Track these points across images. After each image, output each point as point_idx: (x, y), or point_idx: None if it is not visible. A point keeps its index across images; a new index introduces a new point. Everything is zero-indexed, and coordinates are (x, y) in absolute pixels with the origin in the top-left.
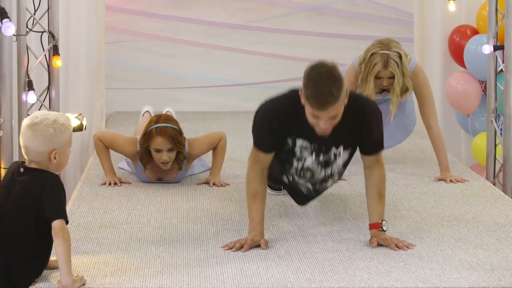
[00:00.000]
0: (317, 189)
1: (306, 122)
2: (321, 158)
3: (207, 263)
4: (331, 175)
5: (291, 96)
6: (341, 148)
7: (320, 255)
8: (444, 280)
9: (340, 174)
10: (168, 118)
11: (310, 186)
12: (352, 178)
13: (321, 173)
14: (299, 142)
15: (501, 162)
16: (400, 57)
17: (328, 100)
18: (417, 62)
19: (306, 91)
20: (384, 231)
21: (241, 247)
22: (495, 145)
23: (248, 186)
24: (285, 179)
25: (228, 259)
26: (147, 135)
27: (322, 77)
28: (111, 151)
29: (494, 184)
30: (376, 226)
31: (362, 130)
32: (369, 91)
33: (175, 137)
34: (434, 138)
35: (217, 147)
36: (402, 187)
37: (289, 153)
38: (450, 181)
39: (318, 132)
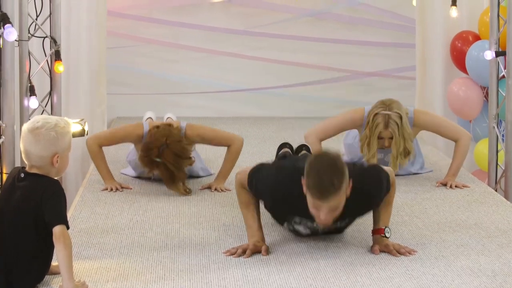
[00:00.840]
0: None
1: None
2: (320, 232)
3: (209, 269)
4: (335, 232)
5: (297, 180)
6: (345, 221)
7: (322, 261)
8: (446, 286)
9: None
10: (171, 144)
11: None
12: None
13: (321, 235)
14: (298, 219)
15: (503, 168)
16: (401, 118)
17: (329, 190)
18: (414, 109)
19: (308, 180)
20: (387, 238)
21: (243, 253)
22: (497, 151)
23: (239, 198)
24: (285, 225)
25: (230, 265)
26: (149, 162)
27: (324, 167)
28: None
29: (496, 190)
30: (379, 232)
31: (371, 208)
32: (372, 151)
33: (176, 166)
34: (460, 146)
35: (230, 150)
36: (404, 193)
37: (292, 230)
38: (451, 186)
39: (318, 224)
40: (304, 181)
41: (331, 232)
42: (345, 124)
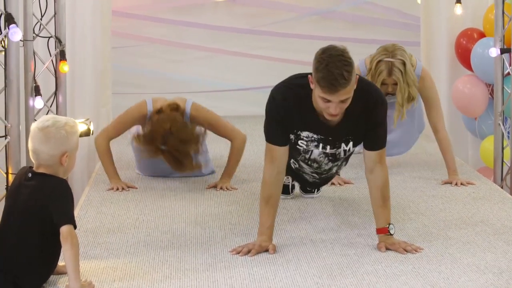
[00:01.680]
0: (323, 177)
1: (315, 114)
2: (328, 150)
3: (215, 268)
4: (337, 166)
5: (303, 84)
6: (347, 140)
7: (328, 259)
8: (452, 283)
9: (345, 163)
10: (176, 131)
11: (316, 175)
12: (360, 182)
13: (327, 165)
14: (305, 134)
15: (509, 165)
16: (404, 64)
17: (340, 82)
18: (424, 66)
19: (317, 74)
20: (392, 234)
21: (248, 252)
22: (503, 148)
23: (263, 190)
24: (292, 164)
25: (236, 264)
26: (154, 151)
27: (333, 60)
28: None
29: (502, 187)
30: (383, 231)
31: (370, 121)
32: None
33: (182, 153)
34: (441, 141)
35: (233, 148)
36: (409, 190)
37: (295, 145)
38: (456, 184)
39: (327, 117)
40: (311, 78)
41: (334, 165)
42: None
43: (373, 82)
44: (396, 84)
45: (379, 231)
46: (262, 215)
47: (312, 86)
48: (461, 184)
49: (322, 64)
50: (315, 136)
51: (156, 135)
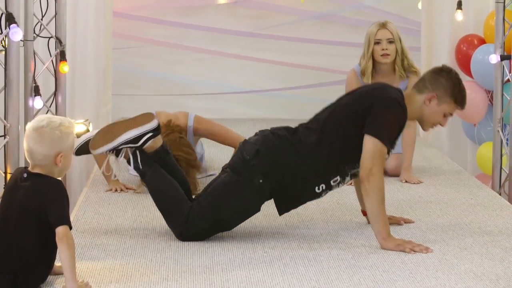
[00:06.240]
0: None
1: None
2: None
3: (212, 270)
4: None
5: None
6: None
7: (325, 263)
8: None
9: None
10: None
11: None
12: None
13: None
14: None
15: (507, 172)
16: (397, 31)
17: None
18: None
19: (454, 94)
20: None
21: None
22: (501, 155)
23: (382, 193)
24: (317, 189)
25: (233, 266)
26: None
27: (459, 79)
28: None
29: (500, 194)
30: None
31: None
32: (367, 56)
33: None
34: (408, 136)
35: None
36: (407, 196)
37: None
38: (401, 180)
39: (426, 130)
40: (431, 95)
41: None
42: None
43: (368, 46)
44: (390, 41)
45: (365, 212)
46: (385, 215)
47: (428, 103)
48: (405, 180)
49: (459, 84)
50: None
51: None
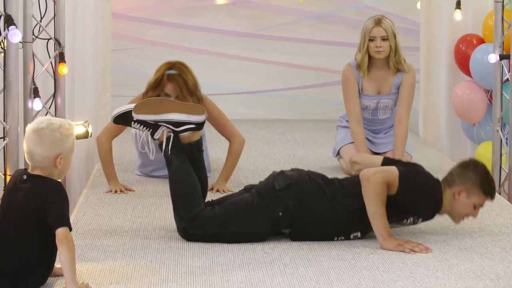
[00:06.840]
0: None
1: None
2: None
3: (212, 271)
4: None
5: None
6: None
7: (325, 263)
8: None
9: None
10: (181, 68)
11: None
12: None
13: None
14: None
15: (507, 171)
16: (392, 28)
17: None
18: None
19: (484, 187)
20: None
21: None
22: (501, 155)
23: (382, 198)
24: (335, 239)
25: (233, 267)
26: (158, 83)
27: (487, 170)
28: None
29: (500, 194)
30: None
31: None
32: (363, 51)
33: (186, 86)
34: (401, 132)
35: (230, 151)
36: None
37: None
38: None
39: (457, 222)
40: (460, 188)
41: None
42: None
43: (364, 41)
44: (384, 39)
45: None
46: (385, 216)
47: (458, 196)
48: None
49: (487, 175)
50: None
51: (160, 68)
